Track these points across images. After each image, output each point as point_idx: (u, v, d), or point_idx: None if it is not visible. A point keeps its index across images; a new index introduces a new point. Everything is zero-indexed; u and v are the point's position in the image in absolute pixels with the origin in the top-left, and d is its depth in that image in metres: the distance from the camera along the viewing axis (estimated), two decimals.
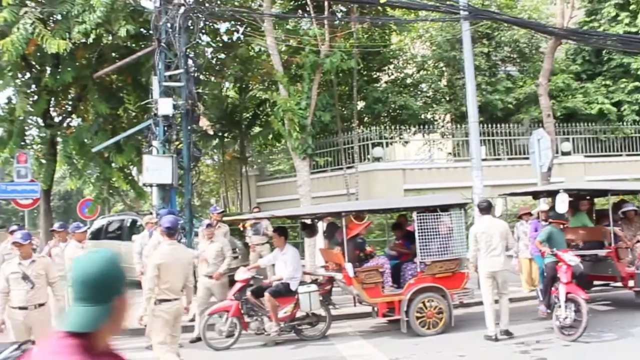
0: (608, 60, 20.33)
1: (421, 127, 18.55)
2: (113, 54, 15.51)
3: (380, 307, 9.17)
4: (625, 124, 19.51)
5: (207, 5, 14.72)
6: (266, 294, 8.89)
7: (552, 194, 10.35)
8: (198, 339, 9.01)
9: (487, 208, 9.18)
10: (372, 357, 8.23)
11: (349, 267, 8.85)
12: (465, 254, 9.59)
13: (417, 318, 9.00)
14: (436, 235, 9.28)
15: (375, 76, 20.35)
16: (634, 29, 19.51)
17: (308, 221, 10.64)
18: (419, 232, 9.17)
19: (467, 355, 7.98)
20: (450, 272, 9.39)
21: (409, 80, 20.14)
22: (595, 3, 20.83)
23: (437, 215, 9.35)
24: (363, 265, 9.31)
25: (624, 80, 19.82)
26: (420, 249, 9.17)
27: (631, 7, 20.00)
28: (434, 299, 9.12)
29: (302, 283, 9.21)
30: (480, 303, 9.33)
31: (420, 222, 9.21)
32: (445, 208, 9.56)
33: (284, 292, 8.98)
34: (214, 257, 9.49)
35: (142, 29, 14.79)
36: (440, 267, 9.32)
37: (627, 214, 11.08)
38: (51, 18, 14.10)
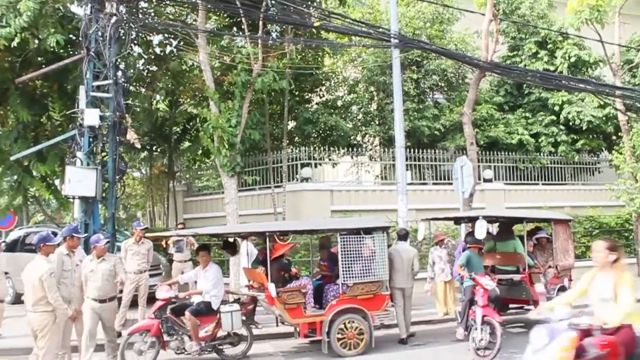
0: (528, 94, 21.39)
1: (350, 149, 18.85)
2: (39, 59, 14.98)
3: (302, 328, 9.21)
4: (542, 154, 20.54)
5: (140, 16, 14.52)
6: (187, 312, 8.74)
7: (472, 220, 10.76)
8: None
9: (404, 236, 10.82)
10: None
11: (271, 287, 8.88)
12: (386, 277, 9.79)
13: (339, 339, 9.09)
14: (359, 257, 9.41)
15: (306, 97, 20.56)
16: (551, 67, 20.66)
17: (230, 239, 10.55)
18: (341, 254, 9.28)
19: None
20: (371, 294, 9.55)
21: (339, 102, 20.45)
22: (518, 39, 21.91)
23: (360, 237, 9.50)
24: (286, 286, 9.32)
25: (541, 113, 20.91)
26: (343, 271, 9.27)
27: (549, 46, 21.20)
28: (355, 320, 9.23)
29: (224, 302, 9.12)
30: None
31: (344, 244, 9.33)
32: (368, 231, 9.72)
33: (205, 311, 8.86)
34: (105, 278, 8.60)
35: (71, 35, 14.38)
36: (362, 289, 9.45)
37: (540, 241, 11.67)
38: None
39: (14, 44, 13.08)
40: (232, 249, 10.50)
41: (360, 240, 9.50)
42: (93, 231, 12.61)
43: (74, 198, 12.54)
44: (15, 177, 16.04)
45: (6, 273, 12.77)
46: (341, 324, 9.12)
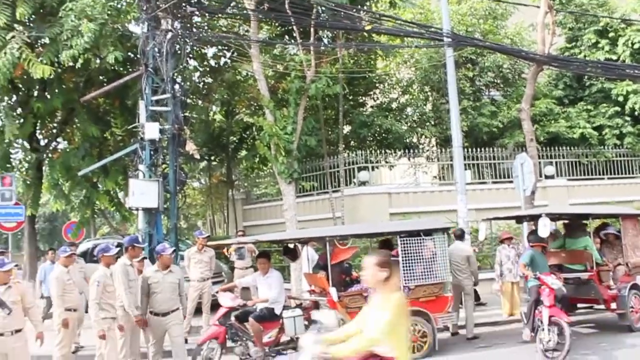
0: (589, 86, 20.70)
1: (407, 151, 18.71)
2: (101, 78, 15.57)
3: None
4: (606, 148, 19.81)
5: (194, 30, 14.87)
6: (250, 318, 8.83)
7: (535, 218, 10.49)
8: None
9: (459, 236, 11.12)
10: None
11: (333, 291, 8.87)
12: (448, 278, 9.67)
13: None
14: (420, 259, 9.33)
15: (361, 100, 20.55)
16: (613, 56, 19.93)
17: (290, 245, 10.58)
18: (402, 257, 9.22)
19: None
20: (434, 296, 9.43)
21: (394, 105, 20.35)
22: (576, 30, 21.26)
23: (420, 239, 9.42)
24: (348, 290, 9.31)
25: (604, 105, 20.17)
26: (404, 273, 9.20)
27: (610, 35, 20.44)
28: (418, 323, 9.14)
29: (286, 307, 9.18)
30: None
31: (404, 247, 9.27)
32: (428, 232, 9.63)
33: (268, 317, 8.92)
34: (171, 291, 8.60)
35: (129, 53, 14.89)
36: (424, 291, 9.36)
37: (608, 237, 11.25)
38: (39, 42, 14.16)
39: (78, 64, 13.64)
40: (293, 254, 10.55)
41: (420, 242, 9.42)
42: (157, 241, 13.00)
43: (137, 210, 12.93)
44: (84, 192, 16.70)
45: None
46: None
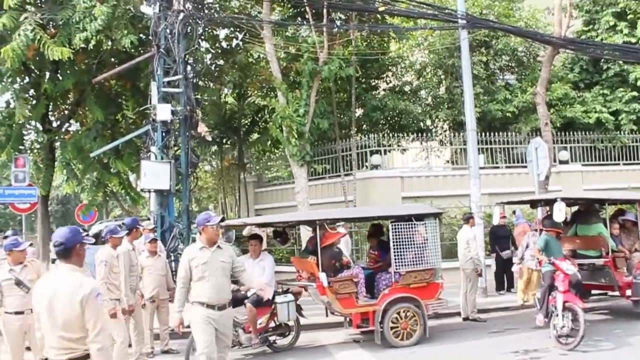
0: (606, 70, 20.36)
1: (419, 134, 18.57)
2: (112, 60, 15.53)
3: (354, 318, 8.99)
4: (622, 133, 19.54)
5: (206, 11, 14.77)
6: (248, 304, 8.49)
7: (550, 202, 10.36)
8: None
9: (467, 219, 11.34)
10: None
11: (323, 276, 8.68)
12: (439, 265, 9.56)
13: (392, 329, 8.86)
14: (411, 245, 9.14)
15: (373, 83, 20.39)
16: (632, 39, 19.57)
17: (280, 228, 10.19)
18: (393, 242, 9.05)
19: None
20: (424, 283, 9.26)
21: (407, 88, 20.17)
22: (593, 13, 20.89)
23: (412, 224, 9.23)
24: (337, 275, 9.08)
25: (621, 89, 19.85)
26: (395, 259, 9.04)
27: (629, 17, 20.06)
28: (409, 309, 9.00)
29: (276, 293, 8.91)
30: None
31: (395, 232, 9.09)
32: (420, 217, 9.41)
33: (262, 302, 8.59)
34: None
35: (141, 35, 14.81)
36: (415, 277, 9.18)
37: (626, 224, 11.11)
38: (51, 23, 14.11)
39: (90, 46, 13.59)
40: (283, 238, 10.12)
41: (412, 228, 9.21)
42: (169, 223, 13.04)
43: (149, 191, 12.94)
44: (95, 174, 16.73)
45: None
46: (394, 314, 8.89)
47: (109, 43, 14.41)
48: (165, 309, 9.24)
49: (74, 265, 4.00)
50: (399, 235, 9.08)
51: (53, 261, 13.40)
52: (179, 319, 6.26)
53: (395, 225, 9.13)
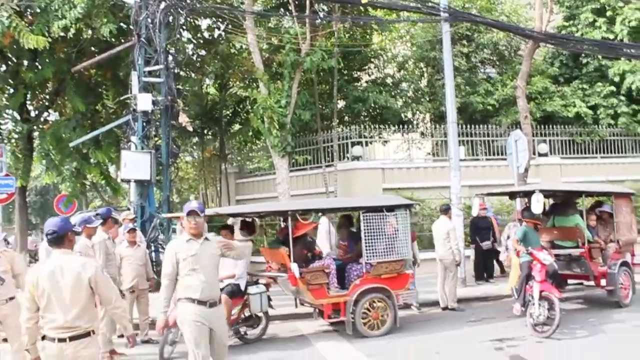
0: (585, 64, 20.60)
1: (401, 126, 18.65)
2: (92, 49, 15.38)
3: (325, 309, 8.99)
4: (600, 127, 19.81)
5: (188, 1, 14.68)
6: (223, 295, 7.94)
7: (528, 194, 10.50)
8: None
9: (444, 210, 11.34)
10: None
11: (294, 267, 8.63)
12: (409, 255, 9.60)
13: (363, 319, 8.91)
14: (382, 235, 9.14)
15: (355, 75, 20.41)
16: (611, 35, 19.81)
17: (249, 219, 9.94)
18: (364, 233, 9.03)
19: (442, 352, 8.06)
20: (395, 273, 9.29)
21: (389, 80, 20.22)
22: (574, 8, 21.08)
23: (383, 215, 9.23)
24: (309, 266, 9.04)
25: (600, 84, 20.09)
26: (366, 250, 9.03)
27: (607, 14, 20.30)
28: (380, 299, 9.04)
29: (248, 283, 8.87)
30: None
31: (366, 223, 9.07)
32: (390, 208, 9.41)
33: (236, 293, 8.55)
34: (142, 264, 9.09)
35: (122, 24, 14.68)
36: (385, 268, 9.19)
37: (602, 215, 11.31)
38: (29, 10, 13.93)
39: (70, 34, 13.43)
40: (251, 229, 9.85)
41: (383, 218, 9.20)
42: (149, 214, 12.98)
43: (129, 182, 12.86)
44: (75, 164, 16.59)
45: None
46: (366, 304, 8.92)
47: (89, 32, 14.25)
48: (144, 299, 9.22)
49: (67, 249, 4.51)
50: (370, 226, 9.07)
51: (34, 254, 13.30)
52: (164, 320, 5.63)
53: (366, 216, 9.11)
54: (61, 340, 4.31)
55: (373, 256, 9.07)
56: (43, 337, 4.39)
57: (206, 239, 5.62)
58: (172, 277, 5.58)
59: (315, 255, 9.56)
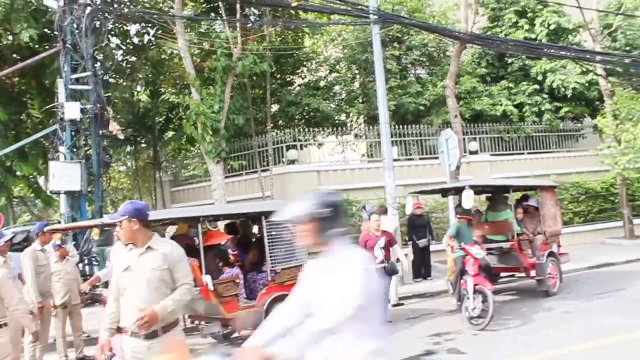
0: (510, 64, 21.41)
1: (335, 129, 18.81)
2: (14, 56, 14.79)
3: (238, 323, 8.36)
4: (526, 124, 20.61)
5: (115, 6, 14.35)
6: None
7: (459, 191, 10.79)
8: None
9: (383, 212, 11.49)
10: None
11: (208, 279, 8.05)
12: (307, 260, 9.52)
13: None
14: (284, 241, 8.90)
15: (289, 79, 20.47)
16: (532, 35, 20.66)
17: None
18: (268, 239, 8.77)
19: None
20: (297, 279, 9.08)
21: (322, 83, 20.38)
22: (498, 10, 21.87)
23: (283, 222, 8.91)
24: (220, 277, 8.48)
25: (524, 83, 20.93)
26: (271, 257, 8.75)
27: (529, 15, 21.18)
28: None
29: None
30: None
31: (270, 229, 8.78)
32: (265, 215, 8.92)
33: None
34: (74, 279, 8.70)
35: (45, 29, 14.19)
36: (289, 275, 8.82)
37: (529, 209, 11.75)
38: None
39: None
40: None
41: (282, 225, 8.50)
42: None
43: (59, 194, 12.44)
44: None
45: None
46: None
47: (10, 38, 13.71)
48: (78, 315, 8.91)
49: None
50: (273, 232, 8.78)
51: None
52: (106, 341, 4.43)
53: (269, 222, 8.70)
54: None
55: (277, 263, 8.81)
56: None
57: (149, 248, 4.20)
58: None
59: (227, 264, 8.99)
